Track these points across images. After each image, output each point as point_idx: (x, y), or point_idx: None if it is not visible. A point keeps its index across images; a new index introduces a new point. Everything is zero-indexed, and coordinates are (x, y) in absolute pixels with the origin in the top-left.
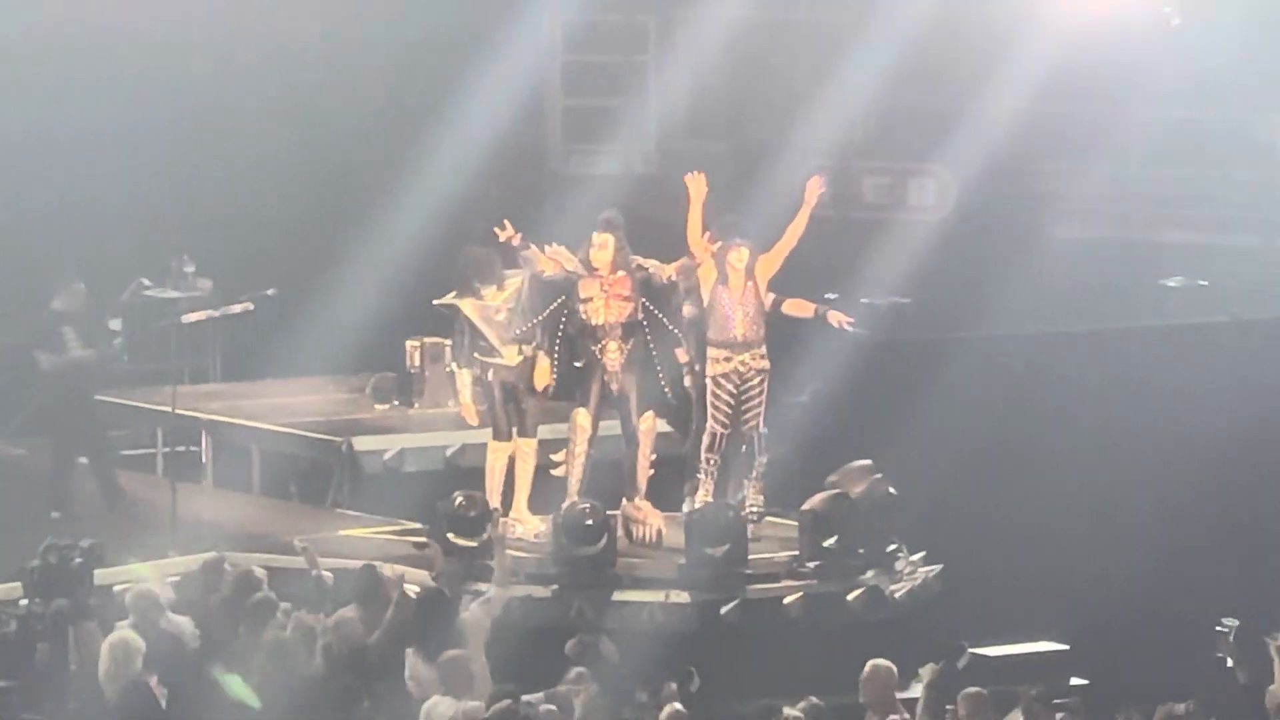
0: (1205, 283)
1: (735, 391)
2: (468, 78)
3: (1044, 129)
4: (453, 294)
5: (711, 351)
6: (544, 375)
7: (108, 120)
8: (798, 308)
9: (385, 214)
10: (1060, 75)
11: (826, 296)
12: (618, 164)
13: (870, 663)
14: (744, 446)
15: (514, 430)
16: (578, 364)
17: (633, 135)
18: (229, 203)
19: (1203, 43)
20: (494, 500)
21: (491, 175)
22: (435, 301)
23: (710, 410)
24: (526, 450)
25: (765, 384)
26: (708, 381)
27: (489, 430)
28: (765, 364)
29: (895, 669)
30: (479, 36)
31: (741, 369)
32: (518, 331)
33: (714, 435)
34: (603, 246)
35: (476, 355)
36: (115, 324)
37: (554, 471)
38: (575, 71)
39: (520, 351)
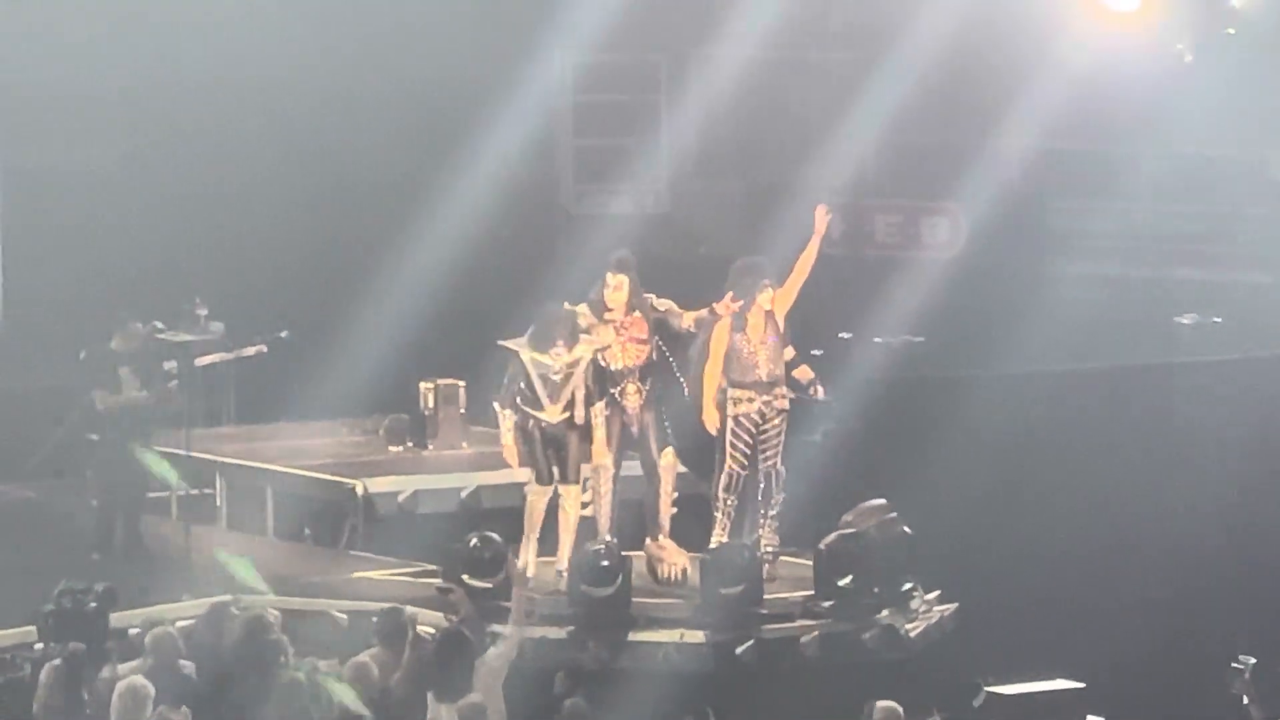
0: (1219, 320)
1: (754, 431)
2: (479, 118)
3: (1056, 167)
4: (524, 339)
5: (734, 392)
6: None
7: (120, 163)
8: (802, 374)
9: (398, 256)
10: (1072, 113)
11: (840, 335)
12: (629, 203)
13: (878, 704)
14: (761, 485)
15: (555, 474)
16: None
17: (644, 175)
18: (242, 246)
19: (1215, 79)
20: (531, 544)
21: (503, 215)
22: (500, 342)
23: (729, 450)
24: (570, 498)
25: (785, 424)
26: (728, 421)
27: (511, 471)
28: (785, 404)
29: (901, 710)
30: (491, 77)
31: (765, 409)
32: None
33: (731, 475)
34: (618, 288)
35: (520, 403)
36: (170, 365)
37: (583, 512)
38: (586, 111)
39: (565, 410)
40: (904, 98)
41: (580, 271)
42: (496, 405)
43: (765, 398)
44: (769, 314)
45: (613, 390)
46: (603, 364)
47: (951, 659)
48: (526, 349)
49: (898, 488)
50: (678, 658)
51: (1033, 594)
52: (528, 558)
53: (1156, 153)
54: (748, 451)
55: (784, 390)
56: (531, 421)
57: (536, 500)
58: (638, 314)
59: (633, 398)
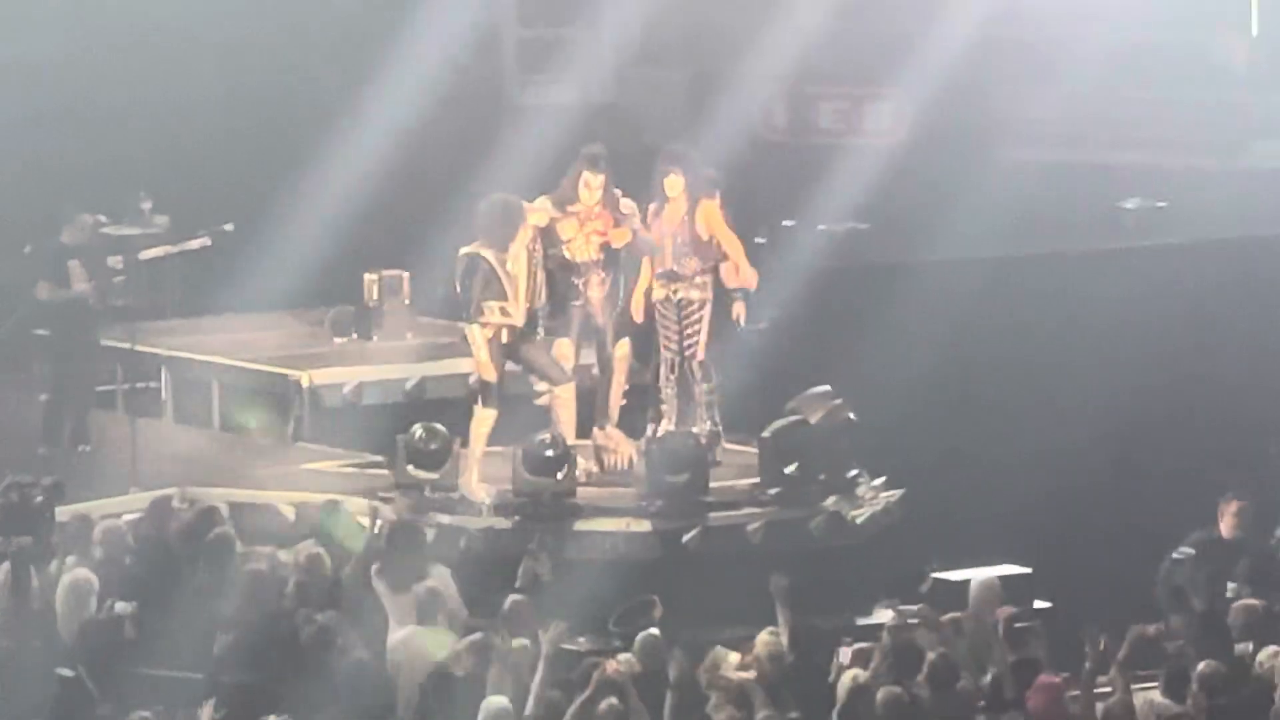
0: (1163, 204)
1: (677, 319)
2: (422, 8)
3: (999, 52)
4: (476, 244)
5: (653, 282)
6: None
7: (63, 55)
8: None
9: (341, 147)
10: None
11: (783, 223)
12: (573, 93)
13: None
14: (689, 375)
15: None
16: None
17: (588, 64)
18: (185, 139)
19: None
20: (473, 466)
21: (447, 106)
22: (461, 251)
23: (660, 338)
24: (567, 393)
25: (704, 312)
26: (655, 309)
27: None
28: (701, 294)
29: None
30: None
31: (674, 298)
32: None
33: (666, 363)
34: (595, 187)
35: (486, 313)
36: (115, 260)
37: (537, 401)
38: (530, 1)
39: (527, 304)
40: None
41: (523, 162)
42: (465, 326)
43: (675, 286)
44: (685, 209)
45: (576, 281)
46: (567, 256)
47: (898, 545)
48: (487, 249)
49: (842, 374)
50: (624, 547)
51: (979, 480)
52: (471, 479)
53: (1099, 37)
54: (676, 338)
55: (695, 282)
56: (503, 334)
57: (481, 424)
58: (603, 208)
59: (596, 289)
